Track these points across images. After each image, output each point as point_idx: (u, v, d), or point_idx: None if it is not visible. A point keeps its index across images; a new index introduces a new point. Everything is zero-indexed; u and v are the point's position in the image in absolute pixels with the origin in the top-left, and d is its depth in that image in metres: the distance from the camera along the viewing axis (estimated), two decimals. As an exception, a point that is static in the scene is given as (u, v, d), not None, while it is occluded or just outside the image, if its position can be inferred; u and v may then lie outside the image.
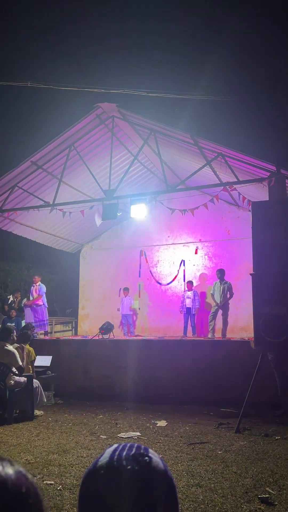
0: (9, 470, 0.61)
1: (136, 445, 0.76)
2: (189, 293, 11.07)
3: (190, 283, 11.23)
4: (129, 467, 0.71)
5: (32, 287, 11.19)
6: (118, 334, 10.60)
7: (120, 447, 0.76)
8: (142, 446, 0.76)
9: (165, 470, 0.73)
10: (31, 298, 10.97)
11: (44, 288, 10.93)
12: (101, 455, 0.75)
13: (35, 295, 10.92)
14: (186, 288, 11.22)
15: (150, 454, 0.74)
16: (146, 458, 0.72)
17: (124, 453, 0.73)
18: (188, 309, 10.95)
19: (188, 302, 10.94)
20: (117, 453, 0.74)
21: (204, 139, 7.94)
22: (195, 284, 11.56)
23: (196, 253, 11.98)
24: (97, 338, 9.30)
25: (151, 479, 0.71)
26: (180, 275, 12.08)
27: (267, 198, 7.43)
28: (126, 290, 11.92)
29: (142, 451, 0.74)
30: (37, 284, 11.12)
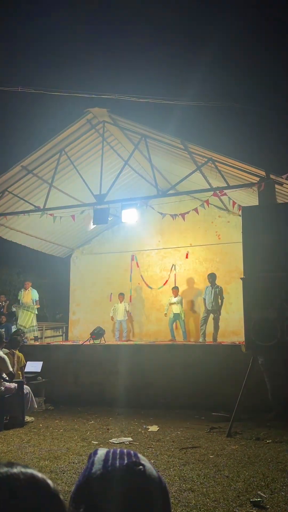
0: (38, 473, 0.64)
1: (126, 452, 0.75)
2: (174, 299, 11.07)
3: (175, 289, 11.24)
4: (125, 479, 0.70)
5: (21, 292, 11.15)
6: (109, 339, 10.57)
7: (111, 455, 0.75)
8: (132, 452, 0.76)
9: (159, 478, 0.73)
10: (20, 302, 10.99)
11: (37, 294, 11.10)
12: (92, 465, 0.74)
13: (27, 299, 10.93)
14: (172, 294, 11.21)
15: (142, 462, 0.73)
16: (141, 467, 0.72)
17: (117, 462, 0.73)
18: (176, 315, 10.95)
19: (176, 308, 10.96)
20: (109, 463, 0.73)
21: (194, 145, 8.00)
22: (186, 288, 11.59)
23: (187, 257, 12.02)
24: (88, 343, 9.26)
25: (147, 489, 0.71)
26: (171, 280, 12.10)
27: (257, 203, 7.51)
28: (121, 295, 11.87)
29: (134, 458, 0.74)
30: (28, 289, 11.09)
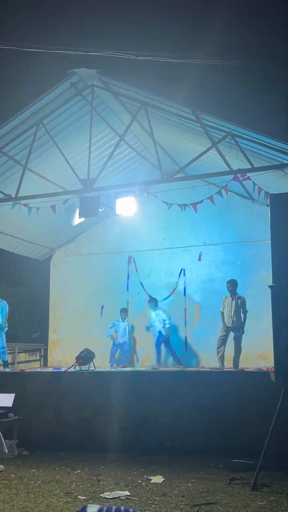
0: None
1: (123, 509, 0.75)
2: (153, 314, 11.07)
3: (153, 300, 11.25)
4: None
5: None
6: (100, 364, 10.56)
7: None
8: (131, 511, 0.75)
9: None
10: None
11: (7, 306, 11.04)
12: None
13: None
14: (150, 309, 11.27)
15: None
16: None
17: None
18: (161, 334, 10.95)
19: (158, 326, 10.97)
20: None
21: (209, 115, 8.02)
22: (198, 297, 11.60)
23: (199, 259, 12.03)
24: (73, 370, 9.27)
25: None
26: (180, 288, 12.10)
27: (289, 190, 7.52)
28: (123, 311, 11.85)
29: None
30: None
